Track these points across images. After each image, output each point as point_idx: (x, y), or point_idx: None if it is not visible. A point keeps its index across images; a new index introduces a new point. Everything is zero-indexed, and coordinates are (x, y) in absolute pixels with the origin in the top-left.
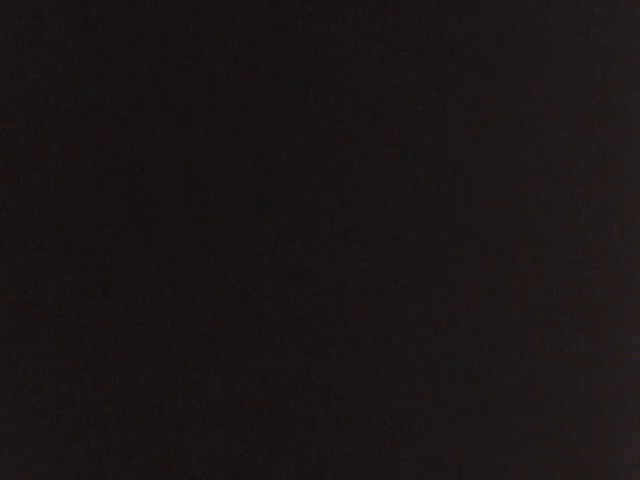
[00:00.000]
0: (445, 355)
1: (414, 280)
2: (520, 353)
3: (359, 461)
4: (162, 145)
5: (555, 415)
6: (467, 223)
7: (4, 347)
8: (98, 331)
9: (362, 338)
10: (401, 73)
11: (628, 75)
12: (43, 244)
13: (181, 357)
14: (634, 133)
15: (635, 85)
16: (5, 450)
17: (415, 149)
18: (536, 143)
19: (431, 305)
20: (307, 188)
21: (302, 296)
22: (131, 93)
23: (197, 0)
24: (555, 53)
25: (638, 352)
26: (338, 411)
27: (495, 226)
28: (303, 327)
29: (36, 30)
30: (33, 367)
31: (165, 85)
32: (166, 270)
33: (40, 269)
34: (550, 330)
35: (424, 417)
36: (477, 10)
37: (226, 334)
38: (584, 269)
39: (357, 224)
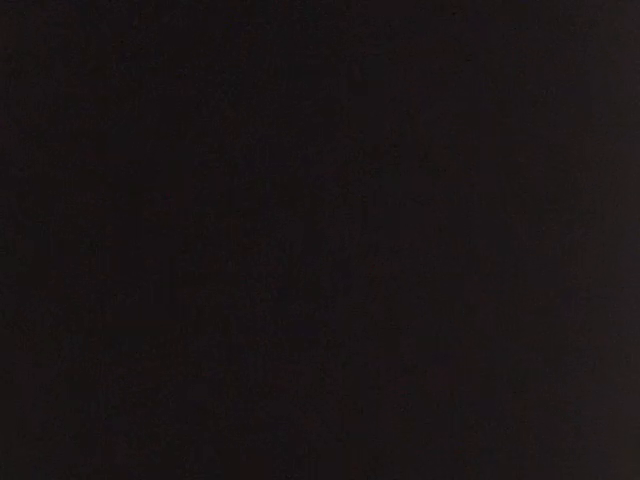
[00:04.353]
0: (449, 356)
1: (417, 282)
2: (521, 351)
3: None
4: (159, 142)
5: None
6: (469, 223)
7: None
8: (96, 330)
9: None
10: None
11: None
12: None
13: (179, 355)
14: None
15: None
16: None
17: (414, 146)
18: (539, 141)
19: (433, 306)
20: (311, 189)
21: (310, 298)
22: (129, 93)
23: None
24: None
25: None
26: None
27: (497, 224)
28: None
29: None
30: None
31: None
32: (165, 268)
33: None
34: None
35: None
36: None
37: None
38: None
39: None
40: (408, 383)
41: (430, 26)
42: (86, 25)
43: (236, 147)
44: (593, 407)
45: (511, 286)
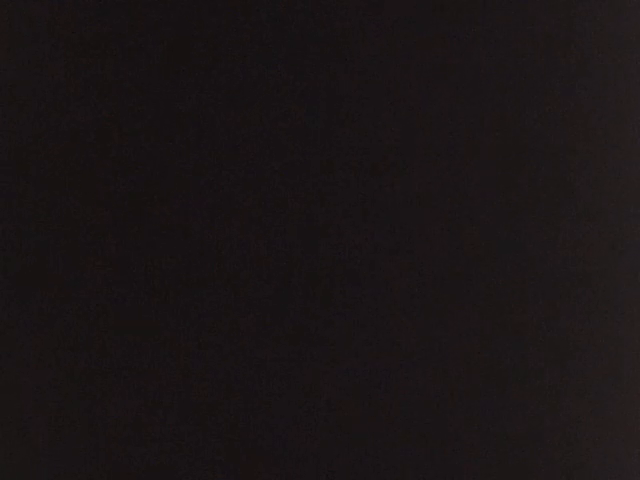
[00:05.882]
0: (449, 358)
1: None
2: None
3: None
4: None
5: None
6: (469, 222)
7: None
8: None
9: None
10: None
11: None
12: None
13: (182, 355)
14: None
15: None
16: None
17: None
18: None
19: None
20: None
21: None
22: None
23: None
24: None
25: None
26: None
27: (497, 226)
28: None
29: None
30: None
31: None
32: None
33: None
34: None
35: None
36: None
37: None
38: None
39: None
40: (408, 383)
41: (430, 24)
42: (86, 25)
43: (236, 146)
44: (593, 407)
45: (512, 286)
